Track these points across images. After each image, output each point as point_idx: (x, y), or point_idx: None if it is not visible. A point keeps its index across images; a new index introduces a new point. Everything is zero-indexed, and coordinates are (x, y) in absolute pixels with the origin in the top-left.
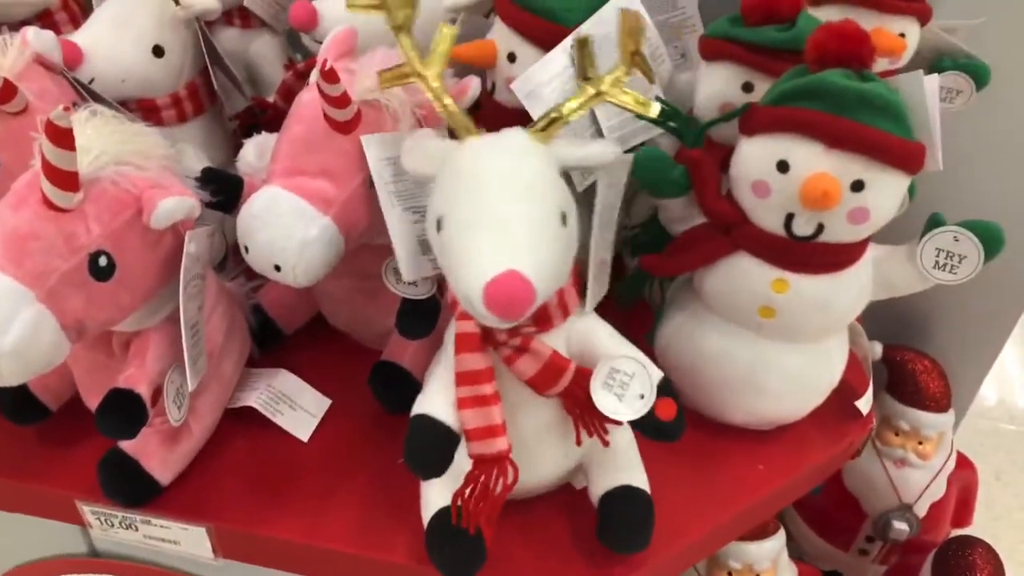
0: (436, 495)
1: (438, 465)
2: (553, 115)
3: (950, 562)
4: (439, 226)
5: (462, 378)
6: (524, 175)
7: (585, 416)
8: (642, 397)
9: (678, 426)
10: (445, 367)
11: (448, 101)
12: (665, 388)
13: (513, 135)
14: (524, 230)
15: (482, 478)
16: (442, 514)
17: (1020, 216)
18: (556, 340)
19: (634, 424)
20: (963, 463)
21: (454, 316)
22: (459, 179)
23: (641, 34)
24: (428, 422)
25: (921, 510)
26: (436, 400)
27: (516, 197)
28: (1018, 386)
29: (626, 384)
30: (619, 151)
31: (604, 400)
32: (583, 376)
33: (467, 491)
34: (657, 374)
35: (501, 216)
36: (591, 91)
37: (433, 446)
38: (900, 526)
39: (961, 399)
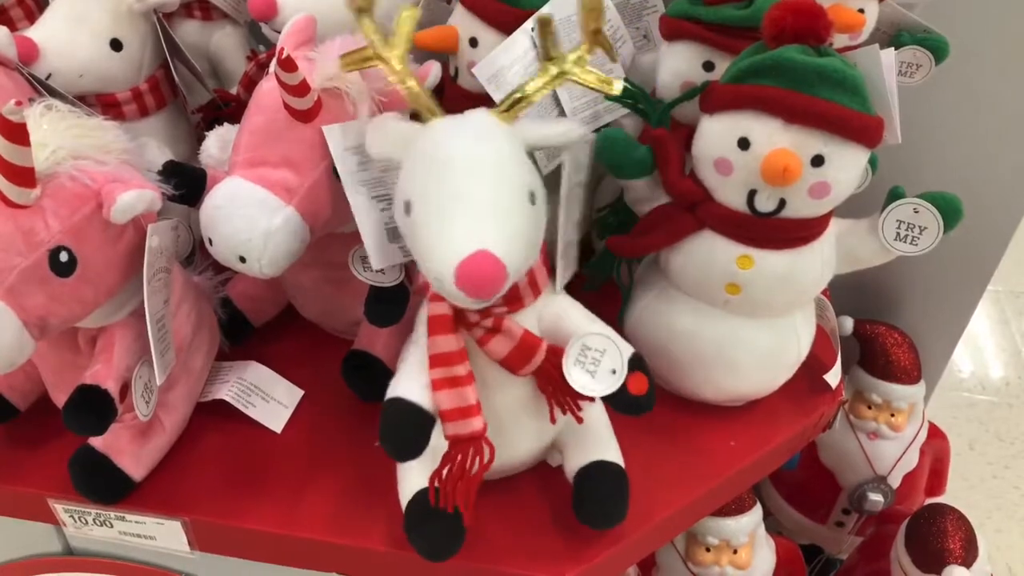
0: (414, 477)
1: (414, 447)
2: (517, 95)
3: (922, 529)
4: (407, 209)
5: (435, 360)
6: (490, 155)
7: (558, 394)
8: (614, 372)
9: (649, 400)
10: (417, 350)
11: (412, 83)
12: (636, 363)
13: (477, 116)
14: (493, 210)
15: (459, 458)
16: (420, 495)
17: (985, 189)
18: (527, 319)
19: (607, 399)
20: (935, 433)
21: (426, 299)
22: (425, 161)
23: (601, 12)
24: (403, 405)
25: (895, 481)
26: (410, 383)
27: (483, 177)
28: (990, 358)
29: (598, 360)
30: (583, 130)
31: (577, 377)
32: (555, 354)
33: (444, 471)
34: (628, 349)
35: (469, 196)
36: (554, 71)
37: (408, 428)
38: (875, 497)
39: (931, 370)
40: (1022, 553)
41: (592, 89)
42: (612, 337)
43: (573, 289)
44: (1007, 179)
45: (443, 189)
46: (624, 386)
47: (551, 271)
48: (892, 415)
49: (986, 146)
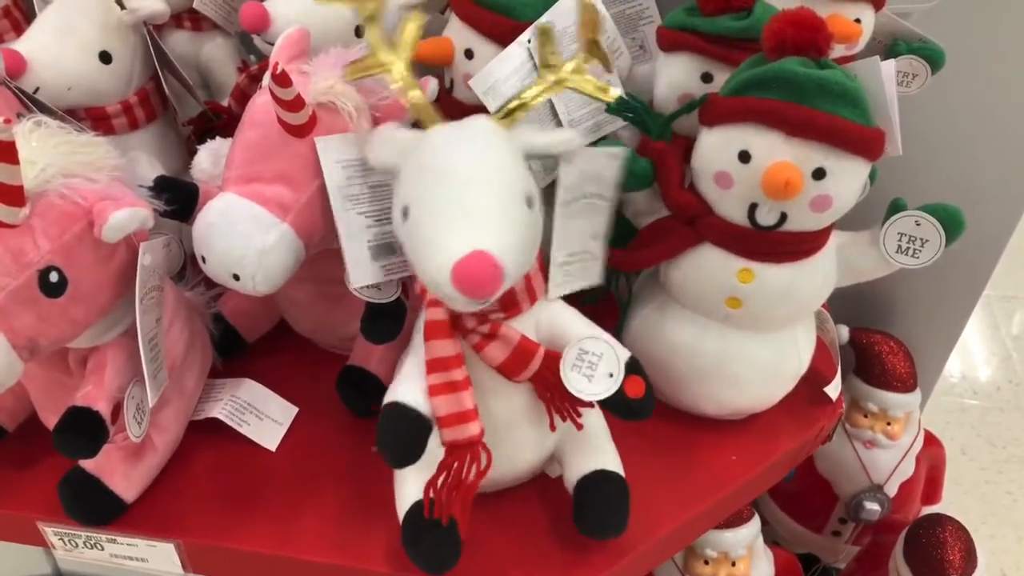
0: (411, 488)
1: (412, 453)
2: (515, 102)
3: (921, 540)
4: (405, 215)
5: (432, 365)
6: (488, 160)
7: (557, 400)
8: (611, 376)
9: (647, 403)
10: (415, 356)
11: (415, 92)
12: (633, 367)
13: (476, 122)
14: (490, 213)
15: (455, 465)
16: (417, 507)
17: (980, 198)
18: (524, 326)
19: (604, 403)
20: (930, 441)
21: (423, 305)
22: (424, 167)
23: (598, 24)
24: (401, 410)
25: (891, 490)
26: (408, 388)
27: (481, 181)
28: (980, 362)
29: (595, 364)
30: (584, 139)
31: (574, 381)
32: (552, 359)
33: (440, 480)
34: (624, 353)
35: (467, 201)
36: (552, 78)
37: (406, 434)
38: (872, 506)
39: (927, 378)
40: (1016, 558)
41: (589, 97)
42: (609, 341)
43: (570, 302)
44: (1002, 187)
45: (441, 194)
46: (621, 390)
47: (547, 278)
48: (888, 423)
49: (981, 154)
